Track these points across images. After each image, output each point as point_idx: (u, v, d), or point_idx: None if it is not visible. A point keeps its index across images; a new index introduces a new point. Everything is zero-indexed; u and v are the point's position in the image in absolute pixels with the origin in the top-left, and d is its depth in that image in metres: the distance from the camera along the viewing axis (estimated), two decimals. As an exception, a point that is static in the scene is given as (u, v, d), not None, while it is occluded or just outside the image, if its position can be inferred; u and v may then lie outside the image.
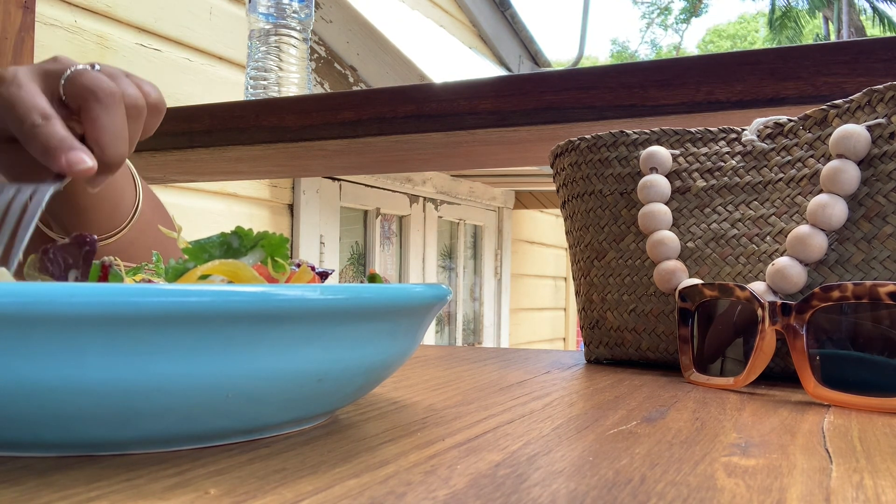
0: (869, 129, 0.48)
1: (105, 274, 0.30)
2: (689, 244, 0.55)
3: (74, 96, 0.45)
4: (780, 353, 0.48)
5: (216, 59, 2.21)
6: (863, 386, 0.39)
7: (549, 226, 4.80)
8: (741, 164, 0.55)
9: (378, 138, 0.89)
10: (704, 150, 0.57)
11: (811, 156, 0.51)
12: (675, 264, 0.54)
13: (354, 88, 2.88)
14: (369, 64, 2.90)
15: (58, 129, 0.42)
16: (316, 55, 2.75)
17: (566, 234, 0.65)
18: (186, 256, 0.31)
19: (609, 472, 0.25)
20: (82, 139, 0.44)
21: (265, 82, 1.02)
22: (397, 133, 0.87)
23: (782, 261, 0.49)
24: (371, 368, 0.30)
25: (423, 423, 0.33)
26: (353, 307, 0.27)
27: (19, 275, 0.32)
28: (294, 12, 1.03)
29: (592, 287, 0.61)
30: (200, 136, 0.97)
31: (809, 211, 0.48)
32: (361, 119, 0.88)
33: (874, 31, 15.08)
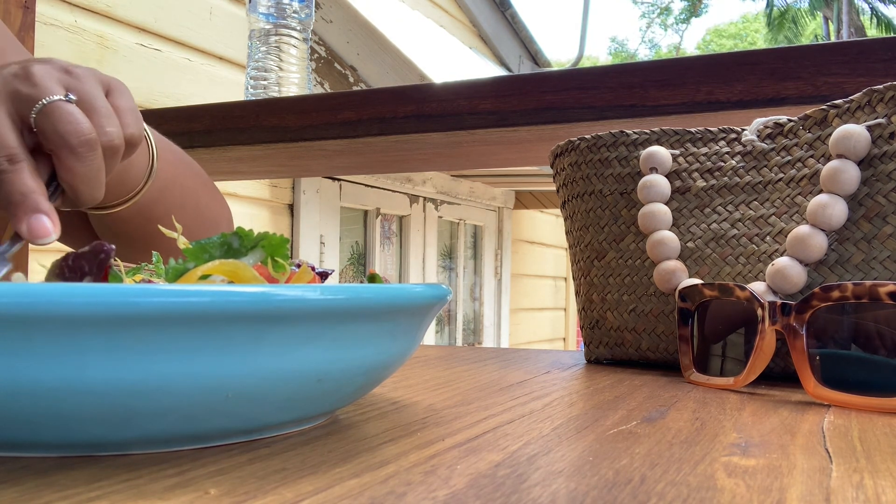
0: (869, 129, 0.48)
1: (105, 274, 0.30)
2: (689, 244, 0.55)
3: (46, 138, 0.41)
4: (780, 353, 0.48)
5: (216, 59, 2.21)
6: (863, 386, 0.39)
7: (549, 226, 4.80)
8: (741, 164, 0.55)
9: (378, 138, 0.89)
10: (704, 150, 0.57)
11: (811, 156, 0.51)
12: (675, 264, 0.54)
13: (354, 88, 2.88)
14: (369, 64, 2.90)
15: (23, 180, 0.39)
16: (316, 55, 2.75)
17: (566, 234, 0.65)
18: (186, 256, 0.31)
19: (609, 472, 0.25)
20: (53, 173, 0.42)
21: (265, 82, 1.02)
22: (397, 133, 0.87)
23: (782, 261, 0.49)
24: (371, 368, 0.30)
25: (423, 423, 0.33)
26: (353, 307, 0.27)
27: None
28: (294, 12, 1.03)
29: (592, 287, 0.61)
30: (200, 136, 0.97)
31: (809, 211, 0.48)
32: (361, 119, 0.88)
33: (873, 31, 15.08)
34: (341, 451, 0.27)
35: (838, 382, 0.40)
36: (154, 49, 2.02)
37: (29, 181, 0.40)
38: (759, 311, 0.43)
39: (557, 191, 0.65)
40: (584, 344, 0.63)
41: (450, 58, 3.40)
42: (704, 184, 0.56)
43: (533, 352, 0.66)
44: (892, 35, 6.57)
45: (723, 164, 0.55)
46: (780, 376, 0.49)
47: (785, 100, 0.70)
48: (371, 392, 0.40)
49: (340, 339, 0.27)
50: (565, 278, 4.99)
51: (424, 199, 3.49)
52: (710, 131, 0.57)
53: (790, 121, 0.54)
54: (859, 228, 0.48)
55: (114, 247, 0.29)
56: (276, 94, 1.02)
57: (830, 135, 0.50)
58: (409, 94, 0.87)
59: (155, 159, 0.55)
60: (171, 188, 0.58)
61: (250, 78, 1.03)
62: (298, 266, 0.33)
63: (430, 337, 3.51)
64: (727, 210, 0.54)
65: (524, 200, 4.26)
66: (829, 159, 0.50)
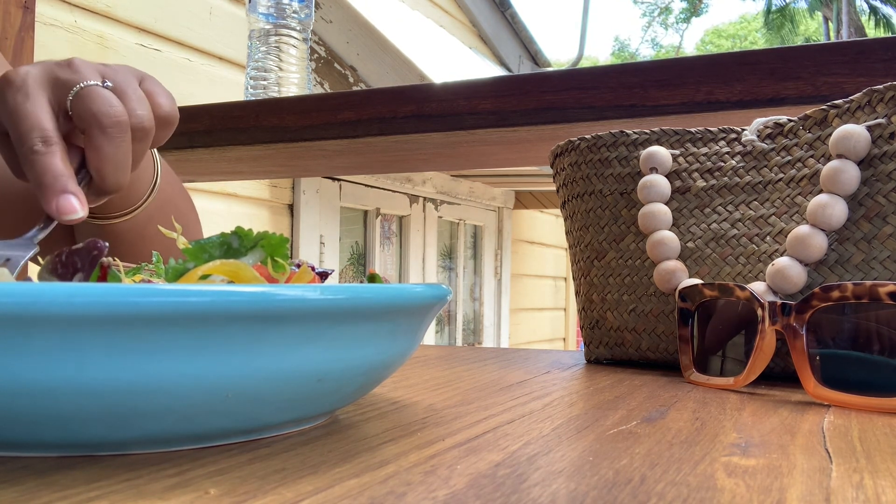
0: (869, 129, 0.48)
1: (104, 274, 0.30)
2: (689, 244, 0.55)
3: (79, 118, 0.44)
4: (780, 353, 0.48)
5: (216, 59, 2.21)
6: (863, 386, 0.39)
7: (549, 226, 4.80)
8: (741, 164, 0.55)
9: (378, 138, 0.89)
10: (704, 150, 0.57)
11: (811, 156, 0.51)
12: (675, 264, 0.54)
13: (354, 88, 2.88)
14: (369, 64, 2.90)
15: (55, 162, 0.41)
16: (316, 55, 2.75)
17: (566, 234, 0.65)
18: (186, 257, 0.31)
19: (609, 472, 0.25)
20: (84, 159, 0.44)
21: (265, 82, 1.02)
22: (397, 133, 0.87)
23: (782, 261, 0.49)
24: (371, 368, 0.30)
25: (423, 423, 0.33)
26: (353, 307, 0.27)
27: None
28: (294, 12, 1.03)
29: (592, 287, 0.61)
30: (200, 136, 0.97)
31: (809, 211, 0.48)
32: (361, 119, 0.88)
33: (873, 31, 15.08)
34: (341, 451, 0.27)
35: (838, 382, 0.40)
36: (154, 49, 2.02)
37: (59, 164, 0.41)
38: (759, 311, 0.43)
39: (557, 191, 0.65)
40: (584, 344, 0.63)
41: (450, 58, 3.40)
42: (704, 184, 0.56)
43: (533, 352, 0.66)
44: (892, 35, 6.56)
45: (723, 164, 0.55)
46: (780, 376, 0.49)
47: (785, 100, 0.70)
48: (371, 392, 0.40)
49: (340, 339, 0.27)
50: (565, 278, 4.99)
51: (424, 199, 3.49)
52: (710, 131, 0.57)
53: (790, 121, 0.54)
54: (859, 228, 0.48)
55: (107, 244, 0.29)
56: (276, 94, 1.02)
57: (830, 135, 0.50)
58: (409, 94, 0.87)
59: (158, 175, 0.57)
60: (166, 208, 0.60)
61: (250, 78, 1.03)
62: (298, 266, 0.33)
63: (430, 337, 3.51)
64: (727, 210, 0.54)
65: (524, 200, 4.26)
66: (829, 159, 0.50)
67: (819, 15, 15.83)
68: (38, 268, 0.31)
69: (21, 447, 0.25)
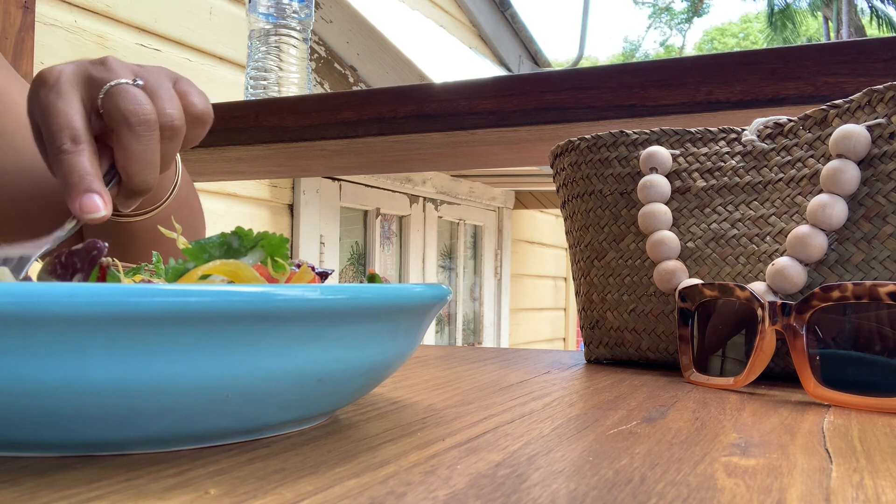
0: (869, 129, 0.48)
1: (103, 275, 0.30)
2: (689, 244, 0.55)
3: (108, 116, 0.44)
4: (780, 353, 0.48)
5: (216, 59, 2.21)
6: (863, 386, 0.39)
7: (549, 226, 4.80)
8: (741, 164, 0.55)
9: (378, 138, 0.89)
10: (704, 150, 0.57)
11: (811, 156, 0.51)
12: (675, 264, 0.54)
13: (354, 88, 2.88)
14: (369, 64, 2.90)
15: (82, 161, 0.41)
16: (316, 55, 2.75)
17: (566, 234, 0.65)
18: (186, 256, 0.31)
19: (609, 472, 0.25)
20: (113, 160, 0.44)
21: (265, 82, 1.02)
22: (397, 133, 0.87)
23: (782, 261, 0.49)
24: (371, 368, 0.30)
25: (423, 423, 0.33)
26: (353, 307, 0.27)
27: None
28: (294, 12, 1.03)
29: (592, 287, 0.61)
30: (200, 136, 0.97)
31: (809, 211, 0.48)
32: (361, 119, 0.88)
33: (873, 31, 15.07)
34: (341, 451, 0.27)
35: (838, 382, 0.40)
36: (154, 49, 2.02)
37: (86, 163, 0.41)
38: (760, 311, 0.43)
39: (557, 191, 0.65)
40: (584, 344, 0.63)
41: (450, 58, 3.40)
42: (704, 184, 0.56)
43: (533, 352, 0.66)
44: (892, 35, 6.57)
45: (723, 164, 0.55)
46: (780, 376, 0.49)
47: (785, 100, 0.70)
48: (371, 392, 0.40)
49: (340, 339, 0.27)
50: (565, 278, 4.99)
51: (424, 199, 3.49)
52: (710, 131, 0.57)
53: (790, 121, 0.54)
54: (859, 228, 0.48)
55: (107, 245, 0.29)
56: (276, 94, 1.02)
57: (830, 135, 0.50)
58: (409, 94, 0.87)
59: (180, 174, 0.57)
60: (183, 208, 0.60)
61: (250, 78, 1.03)
62: (298, 266, 0.33)
63: (430, 337, 3.51)
64: (727, 210, 0.54)
65: (524, 200, 4.26)
66: (829, 159, 0.50)
67: (819, 14, 15.84)
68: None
69: (21, 447, 0.25)
